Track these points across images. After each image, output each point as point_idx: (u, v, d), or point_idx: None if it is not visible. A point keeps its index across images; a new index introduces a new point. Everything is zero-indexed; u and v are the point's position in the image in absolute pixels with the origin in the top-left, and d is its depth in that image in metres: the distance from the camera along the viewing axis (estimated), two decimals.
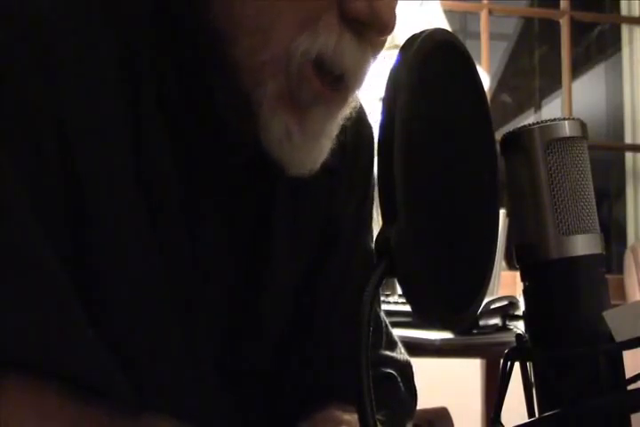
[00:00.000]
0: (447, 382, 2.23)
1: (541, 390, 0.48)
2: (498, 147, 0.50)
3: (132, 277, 0.53)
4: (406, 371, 0.77)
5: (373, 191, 0.75)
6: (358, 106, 0.66)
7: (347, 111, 0.61)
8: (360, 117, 0.73)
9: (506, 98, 3.64)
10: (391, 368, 0.75)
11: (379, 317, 0.77)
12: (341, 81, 0.57)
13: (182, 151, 0.57)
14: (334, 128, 0.60)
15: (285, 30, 0.55)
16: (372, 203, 0.75)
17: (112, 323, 0.52)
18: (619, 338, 0.45)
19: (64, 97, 0.50)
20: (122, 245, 0.52)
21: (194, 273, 0.58)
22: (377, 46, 0.58)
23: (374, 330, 0.74)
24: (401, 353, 0.78)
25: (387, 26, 0.55)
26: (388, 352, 0.76)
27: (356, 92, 0.60)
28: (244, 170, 0.63)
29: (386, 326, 0.78)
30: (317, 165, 0.60)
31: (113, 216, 0.52)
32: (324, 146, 0.60)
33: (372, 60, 0.58)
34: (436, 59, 0.45)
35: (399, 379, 0.75)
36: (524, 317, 0.49)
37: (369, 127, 0.74)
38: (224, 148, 0.61)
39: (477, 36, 2.81)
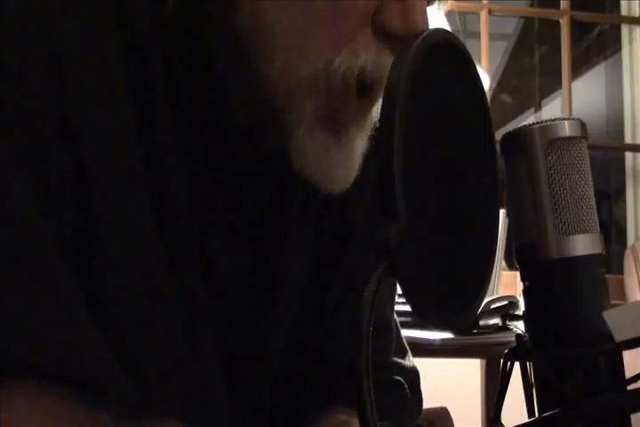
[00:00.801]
0: (447, 382, 2.23)
1: (541, 390, 0.48)
2: (498, 147, 0.50)
3: (135, 277, 0.53)
4: (413, 378, 0.77)
5: None
6: None
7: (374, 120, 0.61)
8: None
9: (506, 98, 3.64)
10: (400, 376, 0.75)
11: (390, 321, 0.77)
12: (373, 91, 0.56)
13: (192, 151, 0.57)
14: (365, 141, 0.60)
15: (322, 49, 0.54)
16: None
17: (115, 324, 0.52)
18: (619, 338, 0.45)
19: (71, 96, 0.50)
20: (126, 244, 0.52)
21: (200, 273, 0.58)
22: None
23: (385, 334, 0.74)
24: (409, 360, 0.78)
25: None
26: (397, 359, 0.76)
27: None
28: (255, 170, 0.63)
29: (397, 331, 0.78)
30: (351, 181, 0.59)
31: (119, 216, 0.52)
32: (358, 160, 0.59)
33: None
34: (436, 59, 0.45)
35: (406, 386, 0.75)
36: (524, 317, 0.49)
37: None
38: (236, 147, 0.61)
39: (477, 36, 2.81)
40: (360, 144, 0.59)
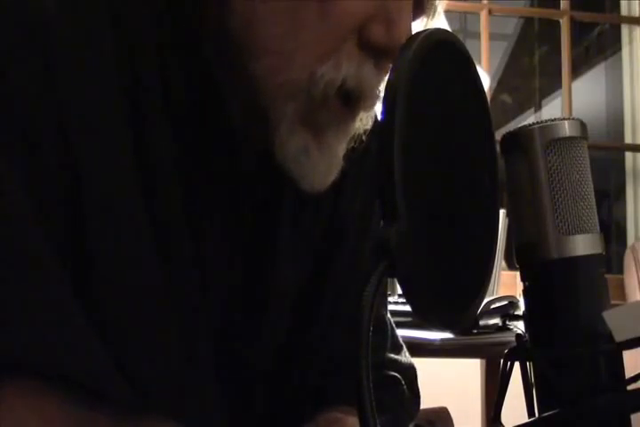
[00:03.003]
0: (447, 382, 2.23)
1: (541, 390, 0.48)
2: (498, 147, 0.50)
3: (131, 277, 0.53)
4: (410, 374, 0.77)
5: None
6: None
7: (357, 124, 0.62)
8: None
9: (506, 98, 3.64)
10: (395, 371, 0.75)
11: (384, 319, 0.77)
12: (357, 102, 0.58)
13: (185, 152, 0.57)
14: (346, 144, 0.61)
15: (307, 57, 0.55)
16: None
17: (112, 324, 0.52)
18: (619, 338, 0.45)
19: (65, 97, 0.50)
20: (121, 245, 0.52)
21: (195, 273, 0.58)
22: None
23: (379, 332, 0.75)
24: (405, 356, 0.78)
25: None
26: (392, 355, 0.77)
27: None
28: (247, 170, 0.63)
29: (391, 328, 0.78)
30: (330, 181, 0.60)
31: (112, 216, 0.52)
32: (338, 163, 0.60)
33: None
34: (436, 59, 0.45)
35: (403, 382, 0.75)
36: (524, 317, 0.49)
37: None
38: (227, 148, 0.61)
39: (477, 36, 2.80)
40: (340, 149, 0.60)
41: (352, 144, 0.62)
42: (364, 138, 0.63)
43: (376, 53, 0.56)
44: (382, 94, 0.58)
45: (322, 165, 0.59)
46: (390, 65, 0.57)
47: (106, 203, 0.51)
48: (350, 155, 0.62)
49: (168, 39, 0.57)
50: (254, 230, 0.64)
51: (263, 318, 0.65)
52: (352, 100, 0.57)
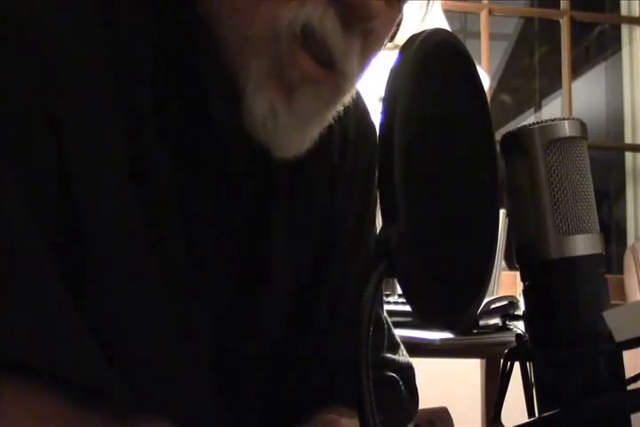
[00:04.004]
0: (447, 382, 2.23)
1: (541, 390, 0.48)
2: (498, 147, 0.50)
3: (129, 276, 0.53)
4: (408, 374, 0.77)
5: (376, 191, 0.74)
6: (361, 105, 0.66)
7: (341, 102, 0.60)
8: (362, 117, 0.73)
9: (506, 98, 3.64)
10: (393, 371, 0.75)
11: (381, 318, 0.77)
12: (330, 63, 0.55)
13: (180, 151, 0.57)
14: (325, 115, 0.59)
15: (271, 4, 0.54)
16: (375, 203, 0.75)
17: (111, 324, 0.52)
18: (619, 338, 0.45)
19: (61, 97, 0.50)
20: (118, 244, 0.52)
21: (191, 272, 0.58)
22: (369, 40, 0.57)
23: (376, 332, 0.75)
24: (403, 355, 0.78)
25: (368, 10, 0.54)
26: (389, 355, 0.76)
27: (350, 80, 0.58)
28: (241, 169, 0.63)
29: (388, 328, 0.78)
30: (303, 150, 0.58)
31: (110, 216, 0.52)
32: (312, 131, 0.58)
33: (366, 54, 0.57)
34: (436, 59, 0.45)
35: (400, 382, 0.75)
36: (524, 317, 0.49)
37: (371, 127, 0.74)
38: (222, 147, 0.61)
39: (477, 36, 2.80)
40: (315, 112, 0.57)
41: (337, 113, 0.59)
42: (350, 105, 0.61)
43: (342, 8, 0.54)
44: (362, 67, 0.56)
45: (292, 128, 0.56)
46: (360, 26, 0.55)
47: (102, 203, 0.52)
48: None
49: (167, 39, 0.57)
50: (249, 230, 0.64)
51: (263, 318, 0.65)
52: (322, 59, 0.55)
